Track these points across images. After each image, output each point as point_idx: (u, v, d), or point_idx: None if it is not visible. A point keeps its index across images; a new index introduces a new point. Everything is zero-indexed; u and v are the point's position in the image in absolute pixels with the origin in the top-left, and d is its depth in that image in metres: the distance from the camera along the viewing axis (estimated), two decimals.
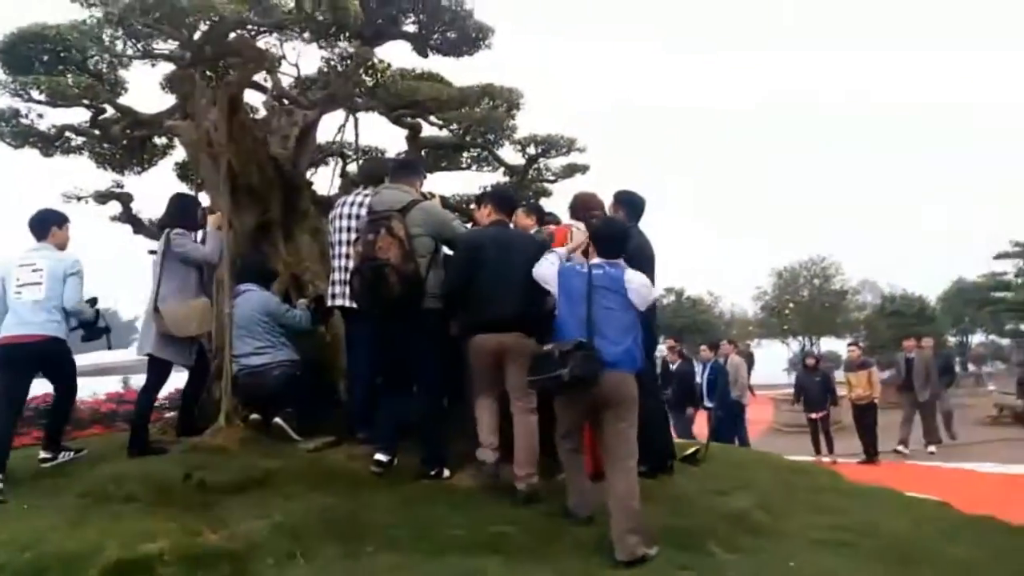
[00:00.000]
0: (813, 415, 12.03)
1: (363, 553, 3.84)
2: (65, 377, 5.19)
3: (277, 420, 5.21)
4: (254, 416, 5.34)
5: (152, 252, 5.56)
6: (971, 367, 24.88)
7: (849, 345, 13.44)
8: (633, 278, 4.29)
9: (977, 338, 31.55)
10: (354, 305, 4.94)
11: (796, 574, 4.01)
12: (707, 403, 11.63)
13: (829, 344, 23.11)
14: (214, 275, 5.59)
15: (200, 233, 5.47)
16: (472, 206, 7.59)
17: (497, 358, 4.66)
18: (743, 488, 5.41)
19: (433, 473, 4.67)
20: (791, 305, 27.12)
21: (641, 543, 3.97)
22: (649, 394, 5.42)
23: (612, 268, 4.28)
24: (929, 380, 11.97)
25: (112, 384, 16.47)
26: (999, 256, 26.08)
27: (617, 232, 4.53)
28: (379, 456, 4.66)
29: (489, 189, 7.28)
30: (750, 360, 15.37)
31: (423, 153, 7.10)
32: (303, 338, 5.68)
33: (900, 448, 11.98)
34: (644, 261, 4.93)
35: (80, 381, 5.47)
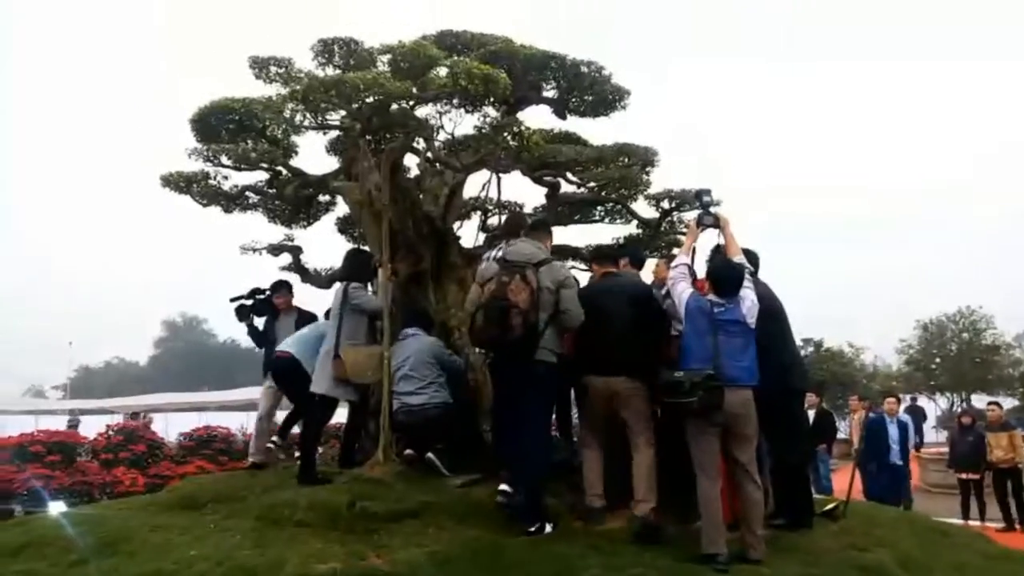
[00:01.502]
0: (964, 476, 11.36)
1: None
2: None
3: (430, 456, 5.62)
4: (408, 452, 5.78)
5: (234, 299, 6.90)
6: None
7: (989, 404, 12.50)
8: (747, 307, 4.79)
9: None
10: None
11: None
12: (897, 459, 11.10)
13: (980, 402, 21.54)
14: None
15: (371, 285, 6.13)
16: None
17: (608, 402, 5.01)
18: (883, 546, 5.31)
19: (532, 530, 4.72)
20: (938, 360, 25.57)
21: (763, 549, 4.54)
22: (793, 442, 5.51)
23: (731, 304, 4.79)
24: None
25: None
26: None
27: (731, 272, 4.94)
28: (503, 487, 4.82)
29: (622, 242, 7.62)
30: (922, 414, 14.62)
31: (559, 208, 7.48)
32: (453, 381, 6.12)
33: None
34: (769, 314, 5.13)
35: (241, 415, 6.29)
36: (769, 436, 5.21)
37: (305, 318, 6.87)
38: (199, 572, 4.19)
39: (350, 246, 7.91)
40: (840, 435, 15.04)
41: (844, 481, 11.39)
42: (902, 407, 12.19)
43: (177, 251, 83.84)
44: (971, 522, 10.70)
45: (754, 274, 5.45)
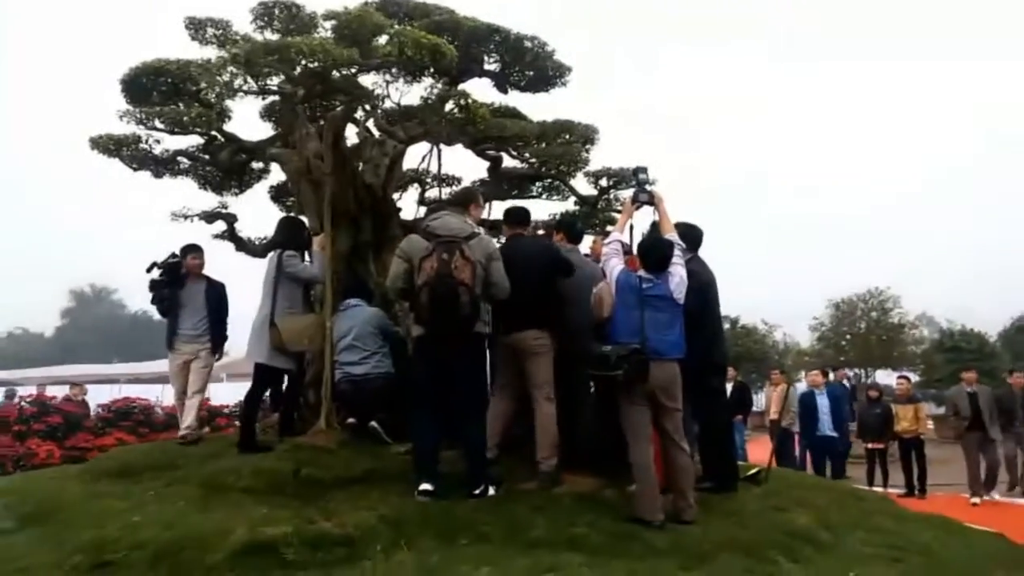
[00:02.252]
0: (870, 445, 12.09)
1: (458, 545, 4.25)
2: None
3: (373, 424, 5.67)
4: (350, 421, 5.81)
5: (152, 267, 6.45)
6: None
7: (899, 378, 13.28)
8: (676, 283, 5.01)
9: None
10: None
11: None
12: (829, 431, 11.49)
13: (884, 377, 22.82)
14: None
15: (307, 254, 6.04)
16: (540, 232, 8.09)
17: (516, 358, 5.26)
18: (802, 507, 5.66)
19: (477, 492, 4.83)
20: (848, 337, 26.94)
21: (695, 511, 4.85)
22: (717, 413, 5.83)
23: (659, 280, 5.01)
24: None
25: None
26: None
27: (660, 248, 5.14)
28: (424, 486, 4.79)
29: (559, 217, 7.78)
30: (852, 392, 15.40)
31: (501, 183, 7.57)
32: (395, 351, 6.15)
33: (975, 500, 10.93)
34: (703, 291, 5.39)
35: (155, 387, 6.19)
36: (694, 405, 5.49)
37: (215, 287, 6.61)
38: (145, 538, 4.14)
39: (284, 215, 7.81)
40: (754, 408, 15.83)
41: (758, 450, 12.06)
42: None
43: (86, 217, 79.94)
44: (875, 488, 11.42)
45: (695, 249, 5.69)
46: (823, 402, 11.56)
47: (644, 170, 5.70)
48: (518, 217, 5.81)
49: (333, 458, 5.30)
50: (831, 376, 12.65)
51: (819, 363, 24.84)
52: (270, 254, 6.18)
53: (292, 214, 6.68)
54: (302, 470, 5.05)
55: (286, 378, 6.09)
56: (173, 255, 6.55)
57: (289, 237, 6.08)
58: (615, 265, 5.13)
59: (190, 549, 4.04)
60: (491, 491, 4.89)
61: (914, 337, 28.04)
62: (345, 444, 5.56)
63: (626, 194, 7.66)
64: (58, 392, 15.36)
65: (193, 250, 6.60)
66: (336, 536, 4.18)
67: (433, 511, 4.54)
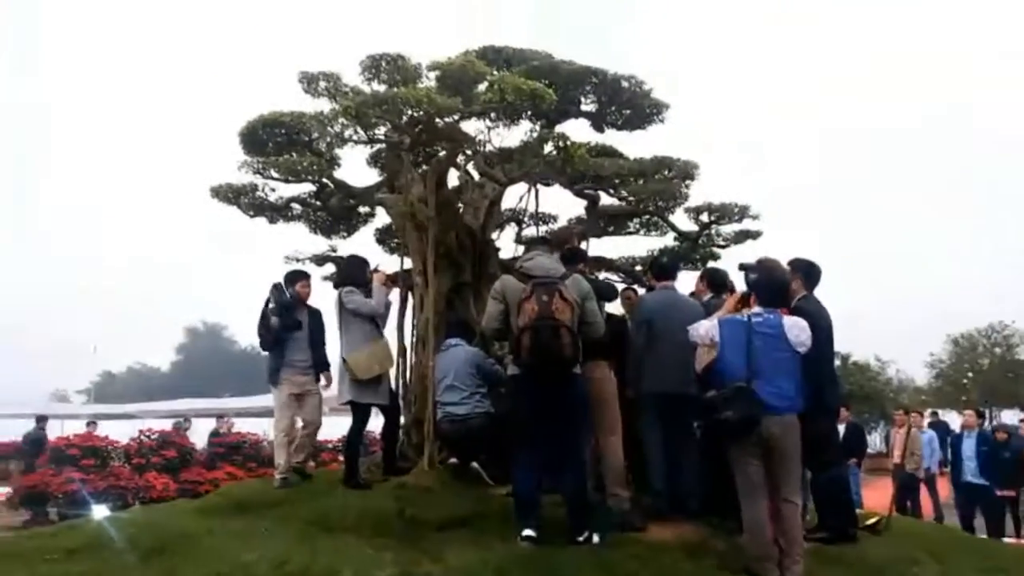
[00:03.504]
0: (1001, 493, 11.19)
1: None
2: None
3: (475, 465, 5.70)
4: (452, 460, 5.86)
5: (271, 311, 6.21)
6: None
7: (1021, 420, 12.26)
8: (791, 322, 4.66)
9: None
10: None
11: None
12: (975, 478, 10.54)
13: (1011, 418, 21.31)
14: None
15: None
16: (638, 268, 8.04)
17: None
18: (932, 559, 5.30)
19: (581, 540, 4.74)
20: (970, 374, 25.36)
21: (801, 568, 4.46)
22: (829, 458, 5.54)
23: (771, 315, 4.68)
24: None
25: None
26: None
27: (775, 282, 4.89)
28: (526, 532, 4.72)
29: (660, 253, 7.71)
30: (946, 428, 14.32)
31: (599, 220, 7.57)
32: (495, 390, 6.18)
33: None
34: (821, 330, 5.13)
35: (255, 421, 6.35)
36: (805, 450, 5.24)
37: (315, 315, 6.45)
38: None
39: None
40: (868, 449, 15.01)
41: (874, 495, 11.41)
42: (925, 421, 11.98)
43: (200, 260, 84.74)
44: (1007, 539, 10.58)
45: (811, 288, 5.47)
46: (969, 445, 10.57)
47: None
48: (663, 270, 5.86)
49: (436, 499, 5.36)
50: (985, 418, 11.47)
51: (936, 402, 23.50)
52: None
53: (355, 253, 6.70)
54: (406, 511, 5.11)
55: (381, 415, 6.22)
56: (276, 287, 6.39)
57: (348, 275, 6.28)
58: (710, 323, 4.92)
59: None
60: (595, 539, 4.79)
61: None
62: (447, 485, 5.61)
63: (728, 229, 7.57)
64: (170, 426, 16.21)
65: (302, 277, 6.56)
66: None
67: (536, 558, 4.48)
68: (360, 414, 6.14)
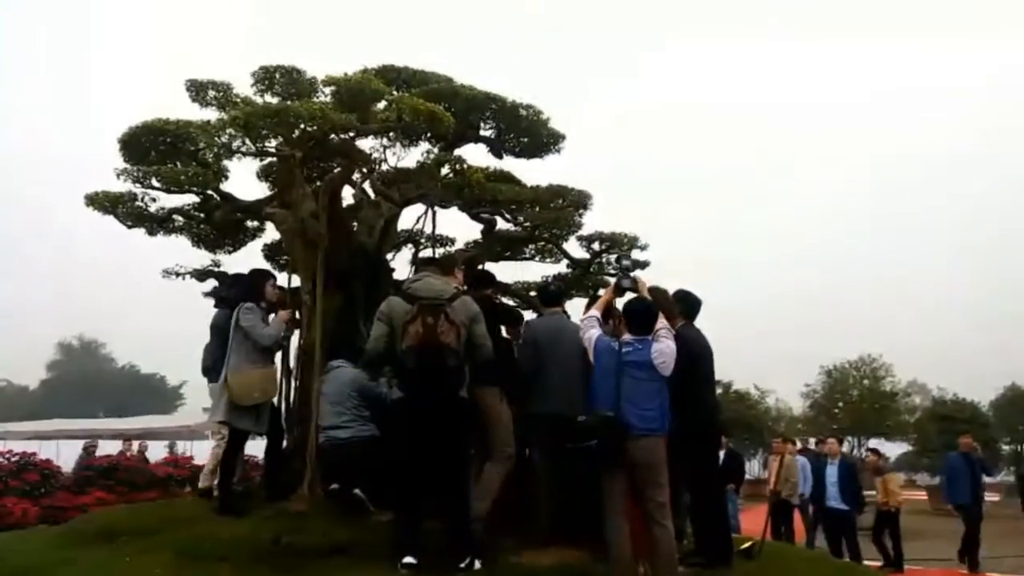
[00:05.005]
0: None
1: None
2: None
3: (356, 492, 5.52)
4: (333, 487, 5.67)
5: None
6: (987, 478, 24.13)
7: (866, 451, 13.06)
8: (657, 350, 4.86)
9: None
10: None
11: None
12: (837, 504, 10.84)
13: (878, 446, 22.69)
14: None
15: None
16: (532, 294, 8.11)
17: None
18: None
19: (463, 565, 4.71)
20: (840, 404, 26.85)
21: None
22: (708, 484, 5.71)
23: (640, 344, 4.89)
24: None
25: (159, 449, 17.11)
26: None
27: (643, 312, 5.09)
28: (407, 559, 4.66)
29: (550, 280, 7.83)
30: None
31: (495, 245, 7.60)
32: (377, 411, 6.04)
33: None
34: (696, 359, 5.33)
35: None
36: (686, 476, 5.38)
37: None
38: None
39: (277, 273, 7.79)
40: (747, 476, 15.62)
41: (750, 520, 11.83)
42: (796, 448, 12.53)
43: (71, 272, 79.73)
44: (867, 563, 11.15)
45: (691, 317, 5.67)
46: (831, 472, 11.01)
47: (627, 256, 5.70)
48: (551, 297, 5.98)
49: (314, 526, 5.17)
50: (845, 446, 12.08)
51: (811, 431, 24.72)
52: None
53: (260, 268, 6.53)
54: (282, 538, 4.91)
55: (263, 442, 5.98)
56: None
57: (249, 290, 5.99)
58: (593, 334, 5.09)
59: None
60: (477, 564, 4.73)
61: (907, 405, 27.95)
62: (327, 511, 5.42)
63: (614, 258, 7.75)
64: (38, 447, 15.12)
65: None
66: None
67: None
68: (236, 437, 5.88)
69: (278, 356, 6.25)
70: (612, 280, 7.43)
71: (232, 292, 6.14)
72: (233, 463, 5.97)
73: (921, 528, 16.08)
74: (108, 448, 15.70)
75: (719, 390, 25.29)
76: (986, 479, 12.19)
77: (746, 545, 6.38)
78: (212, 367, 6.16)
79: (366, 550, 4.92)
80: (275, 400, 6.20)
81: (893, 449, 25.29)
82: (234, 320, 5.82)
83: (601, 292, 7.40)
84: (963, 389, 27.17)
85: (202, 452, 16.59)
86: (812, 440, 18.56)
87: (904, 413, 27.02)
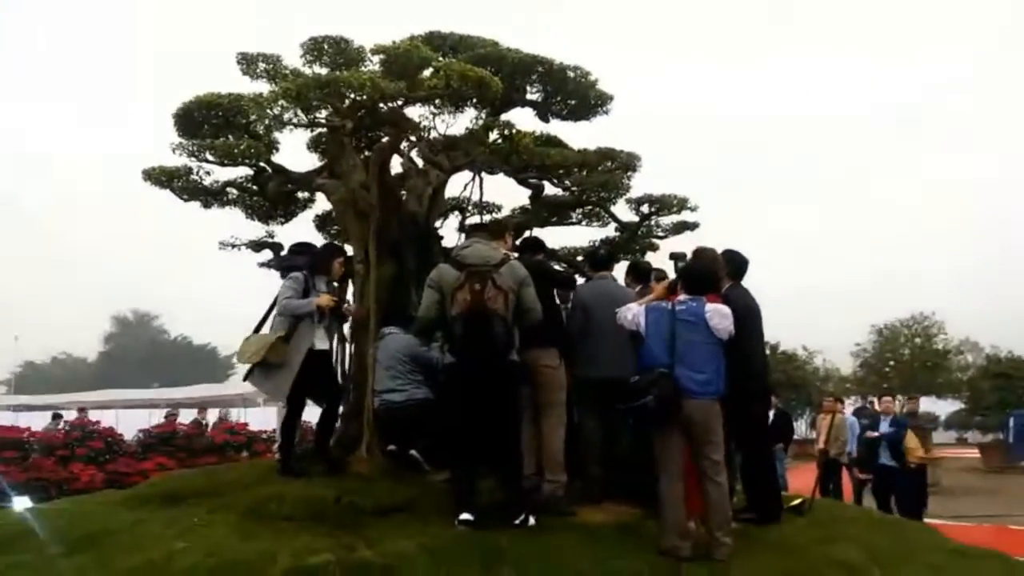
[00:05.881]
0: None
1: (500, 574, 4.25)
2: None
3: (413, 452, 5.70)
4: (391, 448, 5.85)
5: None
6: None
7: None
8: (712, 309, 4.83)
9: None
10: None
11: None
12: (887, 461, 10.67)
13: (929, 405, 22.30)
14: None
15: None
16: (580, 258, 8.14)
17: None
18: (849, 539, 5.53)
19: (518, 522, 4.80)
20: (891, 363, 26.43)
21: (730, 550, 4.63)
22: (759, 442, 5.75)
23: (694, 303, 4.86)
24: None
25: (212, 417, 17.66)
26: None
27: (701, 271, 5.10)
28: (464, 516, 4.78)
29: (598, 244, 7.85)
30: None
31: (542, 210, 7.63)
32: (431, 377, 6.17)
33: None
34: (743, 319, 5.31)
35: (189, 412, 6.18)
36: (736, 435, 5.42)
37: None
38: (189, 565, 4.22)
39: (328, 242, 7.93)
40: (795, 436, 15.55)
41: (799, 479, 11.84)
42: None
43: (128, 245, 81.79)
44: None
45: (738, 278, 5.65)
46: (884, 430, 10.86)
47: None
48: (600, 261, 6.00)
49: (373, 487, 5.35)
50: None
51: (859, 390, 24.43)
52: None
53: (334, 243, 6.69)
54: (343, 498, 5.09)
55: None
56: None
57: (316, 262, 6.04)
58: (634, 307, 5.08)
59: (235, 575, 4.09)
60: (531, 520, 4.85)
61: (959, 364, 27.40)
62: (386, 472, 5.60)
63: (667, 220, 7.73)
64: (100, 416, 15.77)
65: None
66: (378, 565, 4.21)
67: (473, 541, 4.53)
68: (292, 403, 5.98)
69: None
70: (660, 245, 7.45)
71: (299, 261, 6.22)
72: (292, 428, 6.15)
73: (972, 485, 15.92)
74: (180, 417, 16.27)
75: (767, 351, 25.12)
76: None
77: (796, 502, 6.42)
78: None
79: (424, 508, 5.09)
80: (336, 370, 6.33)
81: (945, 407, 24.85)
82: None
83: (649, 255, 7.45)
84: (1019, 346, 26.51)
85: (257, 419, 17.16)
86: (872, 399, 18.40)
87: (956, 371, 26.51)
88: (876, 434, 10.71)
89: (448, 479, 5.26)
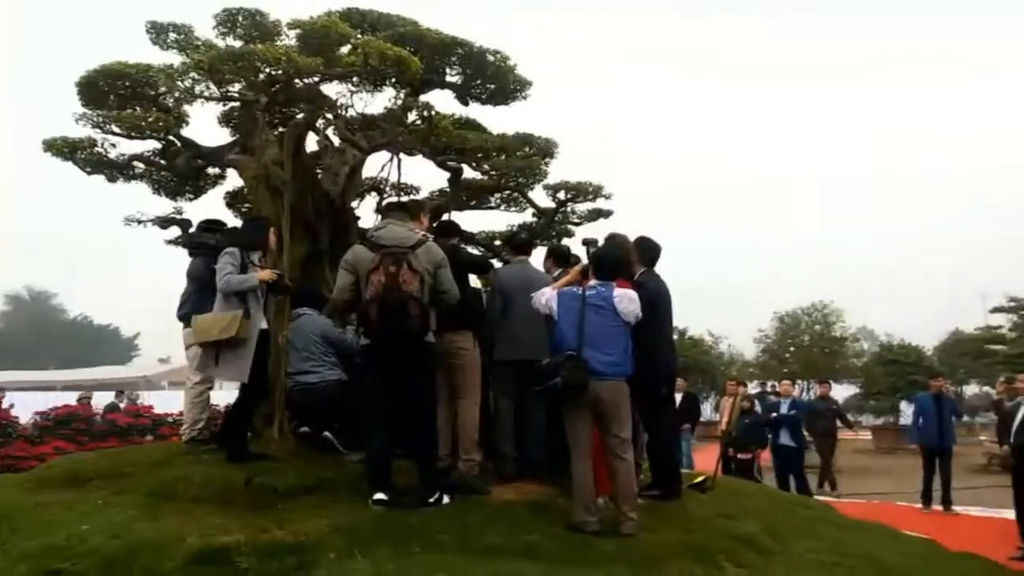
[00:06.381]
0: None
1: (413, 552, 4.27)
2: None
3: (327, 434, 5.66)
4: (304, 430, 5.80)
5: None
6: (965, 417, 25.23)
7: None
8: (620, 294, 5.01)
9: (971, 389, 31.86)
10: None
11: None
12: (787, 441, 11.48)
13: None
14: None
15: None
16: (497, 243, 8.23)
17: None
18: (748, 514, 5.83)
19: (432, 500, 4.83)
20: (792, 349, 27.62)
21: (636, 525, 4.82)
22: (664, 422, 5.97)
23: (604, 288, 5.03)
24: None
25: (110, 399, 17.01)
26: (995, 310, 26.97)
27: (611, 258, 5.25)
28: (377, 496, 4.77)
29: (518, 228, 7.93)
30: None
31: (460, 194, 7.65)
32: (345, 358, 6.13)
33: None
34: (655, 305, 5.52)
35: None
36: (643, 416, 5.63)
37: None
38: (94, 546, 4.09)
39: (239, 222, 7.74)
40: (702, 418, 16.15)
41: (703, 459, 12.34)
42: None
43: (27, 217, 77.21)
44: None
45: (651, 264, 5.83)
46: (783, 412, 11.62)
47: (595, 242, 5.69)
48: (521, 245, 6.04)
49: (286, 468, 5.29)
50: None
51: (762, 375, 25.48)
52: None
53: (262, 216, 6.36)
54: (254, 480, 5.02)
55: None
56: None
57: (253, 237, 5.76)
58: (548, 291, 5.18)
59: (142, 557, 3.99)
60: (445, 499, 4.89)
61: (855, 350, 28.85)
62: (298, 454, 5.55)
63: (583, 207, 7.88)
64: None
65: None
66: (289, 544, 4.16)
67: (387, 520, 4.54)
68: (252, 384, 5.54)
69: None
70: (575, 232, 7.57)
71: (209, 238, 6.04)
72: (247, 411, 5.70)
73: (865, 466, 16.91)
74: (65, 400, 15.56)
75: (675, 336, 25.87)
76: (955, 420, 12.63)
77: (699, 479, 6.71)
78: (189, 313, 6.13)
79: (337, 489, 5.06)
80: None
81: (841, 392, 26.18)
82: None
83: (565, 240, 7.58)
84: (910, 335, 28.14)
85: (161, 402, 16.58)
86: (769, 384, 19.25)
87: (852, 357, 27.92)
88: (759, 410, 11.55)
89: (362, 460, 5.24)
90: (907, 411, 20.93)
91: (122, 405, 15.36)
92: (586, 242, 5.61)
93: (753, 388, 17.65)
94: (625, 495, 4.93)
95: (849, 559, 5.12)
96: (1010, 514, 8.05)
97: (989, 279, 59.41)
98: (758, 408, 12.20)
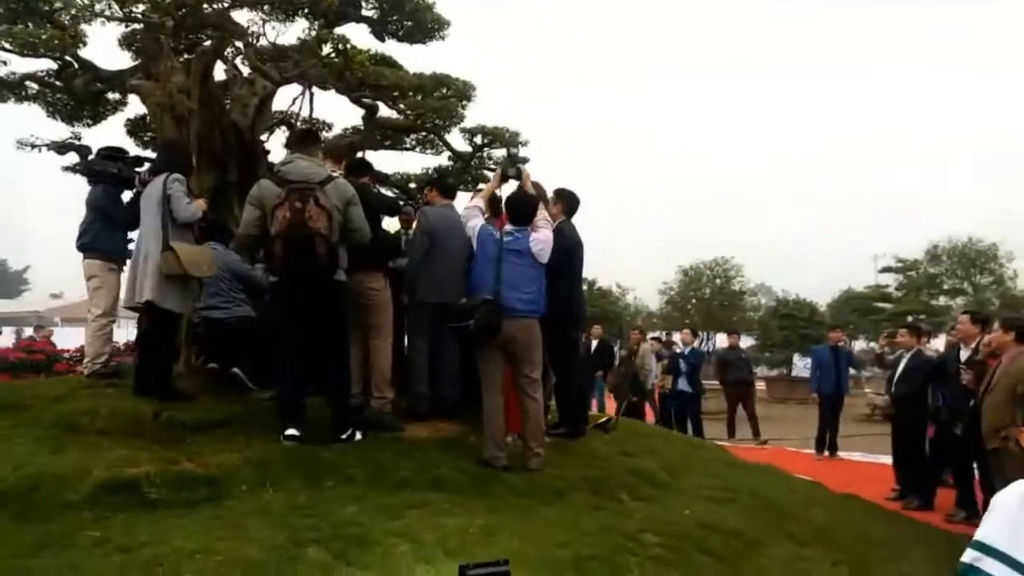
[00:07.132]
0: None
1: (324, 486, 4.35)
2: None
3: (235, 370, 5.59)
4: (211, 365, 5.71)
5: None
6: (852, 371, 26.91)
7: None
8: (535, 239, 5.22)
9: (859, 344, 33.97)
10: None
11: (689, 519, 4.74)
12: (685, 387, 12.16)
13: (723, 340, 24.56)
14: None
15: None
16: (412, 185, 8.19)
17: None
18: (647, 453, 6.17)
19: (344, 437, 4.88)
20: (694, 301, 28.72)
21: (542, 460, 5.06)
22: (572, 366, 6.19)
23: (520, 234, 5.22)
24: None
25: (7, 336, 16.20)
26: (884, 270, 28.74)
27: (527, 202, 5.39)
28: (289, 431, 4.77)
29: (443, 172, 7.90)
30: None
31: (375, 133, 7.53)
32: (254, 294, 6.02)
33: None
34: (570, 252, 5.73)
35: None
36: (552, 358, 5.81)
37: None
38: None
39: (139, 151, 7.42)
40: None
41: (610, 403, 12.84)
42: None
43: None
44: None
45: (570, 215, 5.99)
46: (682, 359, 12.35)
47: (517, 147, 5.81)
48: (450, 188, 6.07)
49: (194, 403, 5.22)
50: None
51: (665, 325, 26.44)
52: (154, 179, 5.42)
53: (177, 139, 6.07)
54: (162, 413, 4.95)
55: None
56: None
57: (174, 161, 5.44)
58: (476, 223, 5.33)
59: (44, 488, 3.90)
60: (358, 436, 4.95)
61: (752, 304, 30.22)
62: (206, 389, 5.48)
63: (499, 153, 7.90)
64: None
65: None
66: (199, 476, 4.16)
67: (299, 454, 4.58)
68: (161, 319, 5.32)
69: None
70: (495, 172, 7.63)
71: (111, 166, 5.79)
72: (165, 351, 5.44)
73: (759, 414, 17.87)
74: None
75: (584, 287, 26.45)
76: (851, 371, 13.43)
77: (602, 420, 7.03)
78: (90, 244, 5.90)
79: (247, 424, 5.03)
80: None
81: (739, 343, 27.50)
82: (161, 191, 5.20)
83: (482, 186, 7.61)
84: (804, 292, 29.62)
85: (60, 338, 15.84)
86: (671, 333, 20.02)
87: (750, 311, 29.21)
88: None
89: (272, 397, 5.21)
90: (799, 364, 22.20)
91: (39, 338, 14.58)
92: (509, 148, 5.71)
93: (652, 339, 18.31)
94: (533, 432, 5.13)
95: (740, 495, 5.51)
96: (888, 459, 8.72)
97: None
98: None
